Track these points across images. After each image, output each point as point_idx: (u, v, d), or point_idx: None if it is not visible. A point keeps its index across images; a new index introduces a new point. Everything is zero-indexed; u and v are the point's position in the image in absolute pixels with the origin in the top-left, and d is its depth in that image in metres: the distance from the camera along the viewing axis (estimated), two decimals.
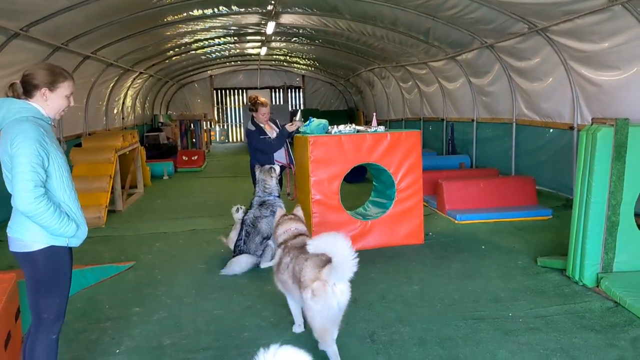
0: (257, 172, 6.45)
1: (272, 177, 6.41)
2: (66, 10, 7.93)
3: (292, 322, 4.59)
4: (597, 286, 5.06)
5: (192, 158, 15.94)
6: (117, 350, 4.16)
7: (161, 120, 22.24)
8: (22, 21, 7.77)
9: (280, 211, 4.90)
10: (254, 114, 7.08)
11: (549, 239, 6.99)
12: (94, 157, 9.59)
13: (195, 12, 11.02)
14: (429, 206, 9.28)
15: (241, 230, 6.32)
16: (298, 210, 4.76)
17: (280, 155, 7.09)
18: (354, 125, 7.05)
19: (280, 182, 6.68)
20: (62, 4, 7.69)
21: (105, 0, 8.24)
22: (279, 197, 6.44)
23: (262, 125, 7.03)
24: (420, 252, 6.60)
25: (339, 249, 3.70)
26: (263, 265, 6.19)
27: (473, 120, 12.75)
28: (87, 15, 8.74)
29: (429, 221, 8.19)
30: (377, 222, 6.88)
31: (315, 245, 3.71)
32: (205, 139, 21.95)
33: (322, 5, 10.76)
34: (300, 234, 4.42)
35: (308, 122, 7.01)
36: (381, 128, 7.03)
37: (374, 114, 8.13)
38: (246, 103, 7.02)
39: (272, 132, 7.08)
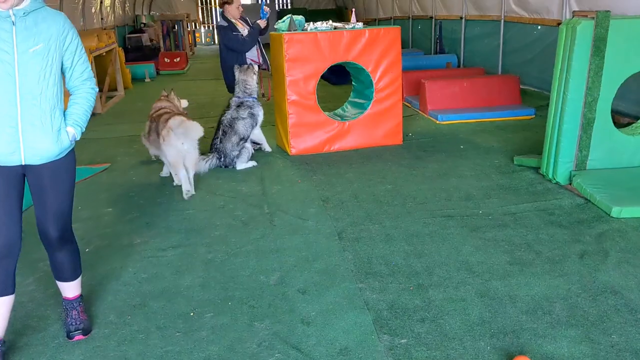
0: (237, 72, 6.26)
1: (253, 76, 6.24)
2: None
3: (263, 221, 4.62)
4: (570, 184, 5.07)
5: (174, 60, 15.56)
6: (87, 250, 4.19)
7: (143, 21, 21.50)
8: None
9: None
10: (226, 8, 6.77)
11: (528, 138, 6.94)
12: None
13: None
14: (411, 107, 9.16)
15: (218, 129, 6.23)
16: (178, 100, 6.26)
17: (252, 55, 6.87)
18: (330, 22, 6.78)
19: None
20: None
21: None
22: (256, 98, 6.30)
23: (233, 21, 6.75)
24: (398, 153, 6.56)
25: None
26: (239, 167, 6.15)
27: (461, 18, 12.34)
28: None
29: (410, 122, 8.11)
30: (355, 122, 6.77)
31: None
32: (189, 41, 21.33)
33: None
34: (165, 111, 5.69)
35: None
36: (359, 24, 6.77)
37: (353, 10, 7.79)
38: None
39: (243, 29, 6.82)
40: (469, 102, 8.41)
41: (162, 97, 6.18)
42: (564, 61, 4.90)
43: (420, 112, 8.74)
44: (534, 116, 8.08)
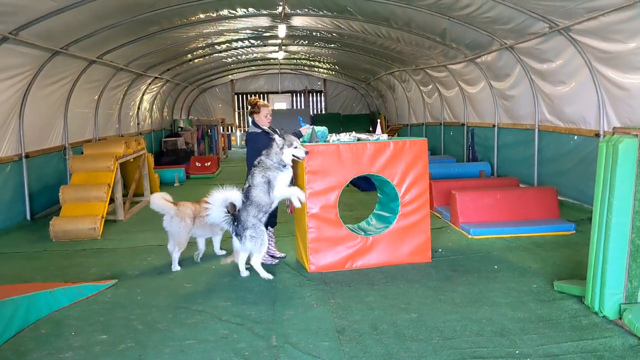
0: (277, 138, 5.96)
1: (287, 146, 5.89)
2: (57, 12, 7.58)
3: (266, 357, 4.10)
4: (620, 318, 4.44)
5: (205, 164, 15.58)
6: None
7: (181, 125, 22.01)
8: (10, 24, 7.45)
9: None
10: (255, 117, 6.61)
11: (570, 258, 6.36)
12: (93, 164, 9.26)
13: (200, 15, 10.64)
14: (442, 218, 8.70)
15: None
16: None
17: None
18: (354, 133, 6.53)
19: None
20: (50, 5, 7.34)
21: (99, 2, 7.87)
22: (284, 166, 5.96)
23: (265, 128, 6.56)
24: (425, 272, 6.03)
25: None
26: (253, 262, 6.01)
27: (494, 126, 12.10)
28: (84, 17, 8.41)
29: (440, 235, 7.62)
30: (379, 237, 6.33)
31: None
32: (223, 144, 21.62)
33: (332, 6, 10.28)
34: None
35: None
36: (384, 136, 6.49)
37: (378, 121, 7.57)
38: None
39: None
40: (503, 215, 7.91)
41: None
42: (606, 181, 4.44)
43: (451, 224, 8.25)
44: (574, 232, 7.51)
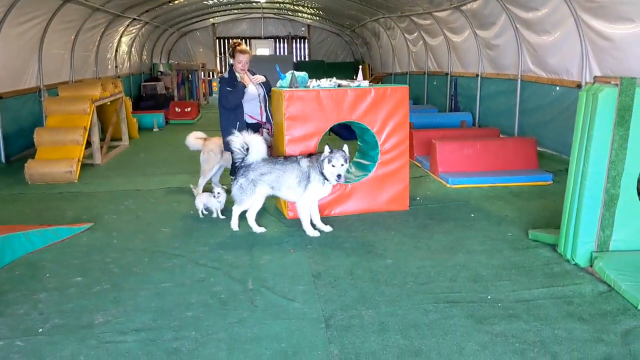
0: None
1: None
2: None
3: (244, 300, 4.12)
4: (591, 266, 4.53)
5: (185, 110, 15.34)
6: (41, 329, 3.71)
7: (161, 70, 21.56)
8: None
9: None
10: (233, 62, 6.46)
11: (545, 208, 6.42)
12: (69, 107, 9.06)
13: None
14: (422, 167, 8.71)
15: None
16: None
17: (254, 112, 6.49)
18: (334, 79, 6.42)
19: None
20: None
21: None
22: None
23: (238, 75, 6.41)
24: (403, 220, 6.06)
25: None
26: (234, 209, 5.84)
27: (477, 76, 12.01)
28: None
29: (420, 184, 7.65)
30: (358, 185, 6.32)
31: None
32: (204, 90, 21.28)
33: None
34: None
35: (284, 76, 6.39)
36: (365, 83, 6.40)
37: (360, 67, 7.44)
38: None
39: (249, 84, 6.47)
40: (482, 165, 7.94)
41: None
42: (584, 131, 4.44)
43: (430, 173, 8.27)
44: (551, 182, 7.57)
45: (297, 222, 5.93)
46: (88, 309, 4.02)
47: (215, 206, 6.21)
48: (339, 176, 5.31)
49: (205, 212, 6.33)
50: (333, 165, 5.32)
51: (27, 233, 5.15)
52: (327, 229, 5.71)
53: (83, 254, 5.14)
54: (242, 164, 5.66)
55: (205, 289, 4.34)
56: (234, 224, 5.81)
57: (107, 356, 3.37)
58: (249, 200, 5.68)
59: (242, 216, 5.81)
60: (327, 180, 5.46)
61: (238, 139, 5.58)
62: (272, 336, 3.59)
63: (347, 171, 6.84)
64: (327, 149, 5.44)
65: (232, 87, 6.24)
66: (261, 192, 5.67)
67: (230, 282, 4.45)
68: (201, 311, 3.96)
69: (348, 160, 5.41)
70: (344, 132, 11.64)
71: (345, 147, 5.45)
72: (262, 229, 5.74)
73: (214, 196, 6.16)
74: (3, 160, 9.50)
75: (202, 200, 6.27)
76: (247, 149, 5.59)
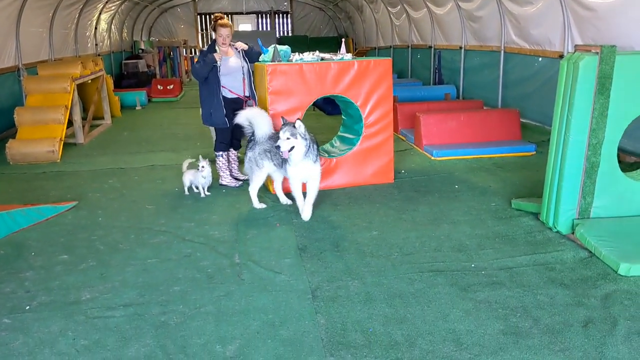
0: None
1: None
2: None
3: (231, 274, 4.15)
4: (572, 233, 4.60)
5: (168, 87, 15.20)
6: (28, 307, 3.72)
7: (142, 47, 21.25)
8: None
9: None
10: (215, 36, 6.37)
11: (528, 178, 6.49)
12: (48, 85, 8.94)
13: None
14: (406, 141, 8.74)
15: None
16: None
17: (236, 87, 6.42)
18: (317, 53, 6.39)
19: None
20: None
21: None
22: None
23: (219, 49, 6.33)
24: (388, 193, 6.10)
25: None
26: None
27: (461, 48, 12.00)
28: None
29: (404, 157, 7.68)
30: (343, 159, 6.34)
31: None
32: (186, 67, 21.06)
33: None
34: None
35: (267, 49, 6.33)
36: (348, 56, 6.37)
37: (343, 40, 7.41)
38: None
39: (229, 58, 6.40)
40: (466, 137, 7.98)
41: None
42: (565, 100, 4.47)
43: (415, 146, 8.31)
44: (534, 152, 7.64)
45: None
46: (75, 285, 4.02)
47: (201, 182, 6.16)
48: (277, 147, 5.17)
49: (195, 189, 6.28)
50: (279, 137, 5.17)
51: (11, 212, 5.11)
52: (286, 201, 5.78)
53: (68, 232, 5.13)
54: (252, 138, 5.66)
55: (191, 264, 4.36)
56: (256, 203, 5.72)
57: (95, 331, 3.39)
58: (259, 175, 5.62)
59: (230, 191, 5.82)
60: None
61: (243, 114, 5.55)
62: (260, 308, 3.63)
63: (331, 145, 6.87)
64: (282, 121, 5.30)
65: (202, 60, 6.15)
66: (266, 168, 5.62)
67: (217, 257, 4.47)
68: (188, 285, 3.98)
69: (298, 136, 5.11)
70: (328, 108, 11.62)
71: (298, 123, 5.14)
72: (262, 205, 5.71)
73: (199, 170, 6.10)
74: None
75: (189, 177, 6.23)
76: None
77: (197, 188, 6.26)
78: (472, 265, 4.18)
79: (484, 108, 9.76)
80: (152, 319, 3.52)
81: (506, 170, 6.88)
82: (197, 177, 6.15)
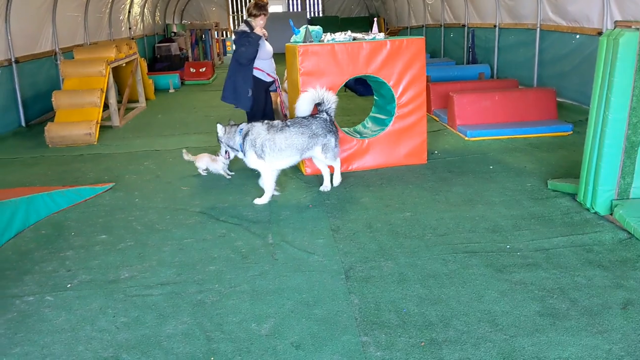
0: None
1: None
2: None
3: (264, 254, 4.19)
4: (611, 214, 4.51)
5: (200, 70, 15.29)
6: (69, 285, 3.82)
7: (174, 30, 21.40)
8: None
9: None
10: (252, 20, 6.35)
11: (565, 158, 6.37)
12: (84, 69, 9.08)
13: None
14: (439, 121, 8.65)
15: None
16: None
17: (270, 69, 6.46)
18: (349, 33, 6.34)
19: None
20: None
21: None
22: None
23: (257, 31, 6.34)
24: (421, 174, 6.06)
25: None
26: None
27: (495, 26, 11.76)
28: None
29: (437, 138, 7.61)
30: (375, 140, 6.31)
31: None
32: (217, 50, 21.13)
33: None
34: None
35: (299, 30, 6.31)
36: (380, 35, 6.31)
37: (375, 19, 7.32)
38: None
39: (265, 43, 6.42)
40: (500, 117, 7.85)
41: None
42: (605, 77, 4.35)
43: (448, 126, 8.21)
44: (571, 132, 7.48)
45: (314, 178, 5.97)
46: (114, 265, 4.12)
47: (221, 167, 6.21)
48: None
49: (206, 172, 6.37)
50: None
51: (51, 194, 5.24)
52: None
53: (106, 213, 5.24)
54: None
55: (226, 244, 4.42)
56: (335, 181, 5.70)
57: (134, 309, 3.47)
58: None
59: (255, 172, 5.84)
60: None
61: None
62: (294, 287, 3.66)
63: (364, 126, 6.84)
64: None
65: (248, 42, 6.17)
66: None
67: (251, 237, 4.52)
68: (223, 265, 4.04)
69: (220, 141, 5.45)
70: (359, 88, 11.56)
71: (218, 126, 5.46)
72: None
73: (223, 158, 5.79)
74: (23, 124, 9.60)
75: (205, 163, 6.28)
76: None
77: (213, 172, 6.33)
78: (508, 247, 4.14)
79: (519, 87, 9.58)
80: (189, 298, 3.58)
81: (542, 151, 6.76)
82: (217, 163, 6.20)
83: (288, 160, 5.36)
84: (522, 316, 3.21)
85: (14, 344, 3.16)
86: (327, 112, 5.46)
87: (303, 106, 5.50)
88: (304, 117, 5.46)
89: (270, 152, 5.21)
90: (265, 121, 5.39)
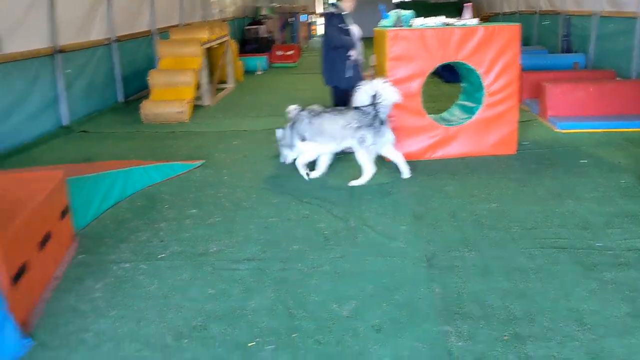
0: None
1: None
2: None
3: (346, 237, 4.25)
4: None
5: (287, 53, 15.51)
6: (161, 255, 4.04)
7: (263, 13, 21.75)
8: None
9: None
10: (341, 3, 6.41)
11: None
12: (179, 49, 9.44)
13: None
14: (530, 111, 8.37)
15: None
16: None
17: (360, 52, 6.52)
18: (442, 18, 6.24)
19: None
20: None
21: None
22: None
23: (344, 13, 6.38)
24: (509, 164, 5.91)
25: None
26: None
27: (593, 14, 11.17)
28: None
29: (526, 128, 7.37)
30: (462, 128, 6.21)
31: None
32: (304, 33, 21.30)
33: None
34: None
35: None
36: (473, 21, 6.17)
37: (467, 4, 7.13)
38: None
39: (352, 25, 6.46)
40: (594, 109, 7.51)
41: None
42: None
43: (539, 117, 7.94)
44: None
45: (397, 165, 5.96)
46: (203, 238, 4.31)
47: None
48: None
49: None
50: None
51: (146, 167, 5.53)
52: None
53: (197, 188, 5.47)
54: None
55: (309, 224, 4.51)
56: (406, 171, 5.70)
57: (221, 281, 3.63)
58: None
59: (345, 156, 5.90)
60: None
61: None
62: (374, 272, 3.70)
63: (450, 113, 6.74)
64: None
65: (344, 23, 6.24)
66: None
67: (333, 220, 4.59)
68: (306, 245, 4.13)
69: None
70: (446, 75, 11.34)
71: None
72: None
73: None
74: (122, 100, 10.12)
75: None
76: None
77: None
78: (598, 244, 3.99)
79: (616, 79, 9.09)
80: (273, 274, 3.70)
81: (638, 146, 6.42)
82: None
83: (324, 147, 5.54)
84: (612, 316, 3.11)
85: (111, 307, 3.39)
86: (375, 107, 5.39)
87: (361, 97, 5.49)
88: (345, 107, 5.59)
89: (309, 134, 5.46)
90: (307, 108, 5.59)
